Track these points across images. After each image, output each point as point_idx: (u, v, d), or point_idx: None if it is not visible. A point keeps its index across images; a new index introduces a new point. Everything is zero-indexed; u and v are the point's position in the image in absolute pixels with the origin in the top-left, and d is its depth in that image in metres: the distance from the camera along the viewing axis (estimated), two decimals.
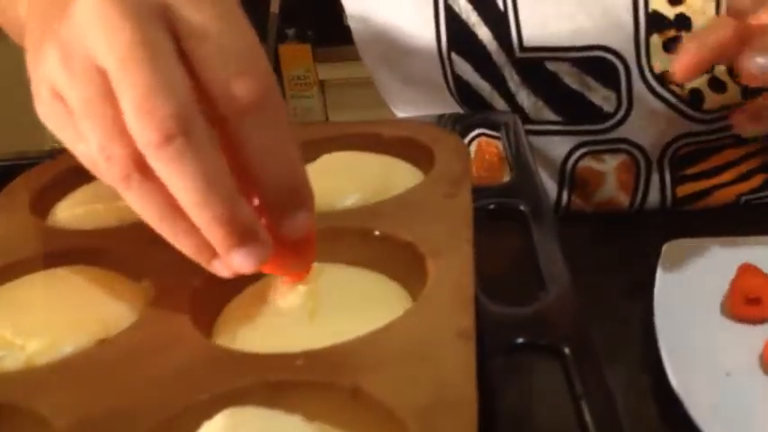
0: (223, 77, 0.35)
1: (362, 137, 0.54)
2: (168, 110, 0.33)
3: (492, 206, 0.48)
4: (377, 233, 0.44)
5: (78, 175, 0.52)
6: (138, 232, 0.46)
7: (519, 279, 0.44)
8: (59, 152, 0.55)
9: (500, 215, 0.48)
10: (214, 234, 0.35)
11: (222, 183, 0.35)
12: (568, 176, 0.68)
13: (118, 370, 0.36)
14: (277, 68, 2.41)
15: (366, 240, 0.44)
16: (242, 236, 0.35)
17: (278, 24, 2.37)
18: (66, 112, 0.36)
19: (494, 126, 0.57)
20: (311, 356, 0.35)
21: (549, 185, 0.68)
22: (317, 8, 2.36)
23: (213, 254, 0.37)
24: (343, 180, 0.49)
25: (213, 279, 0.41)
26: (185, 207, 0.35)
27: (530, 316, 0.39)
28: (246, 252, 0.36)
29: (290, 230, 0.38)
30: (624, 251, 0.65)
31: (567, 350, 0.36)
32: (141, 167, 0.35)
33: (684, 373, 0.46)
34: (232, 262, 0.36)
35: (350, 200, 0.48)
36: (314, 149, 0.53)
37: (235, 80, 0.35)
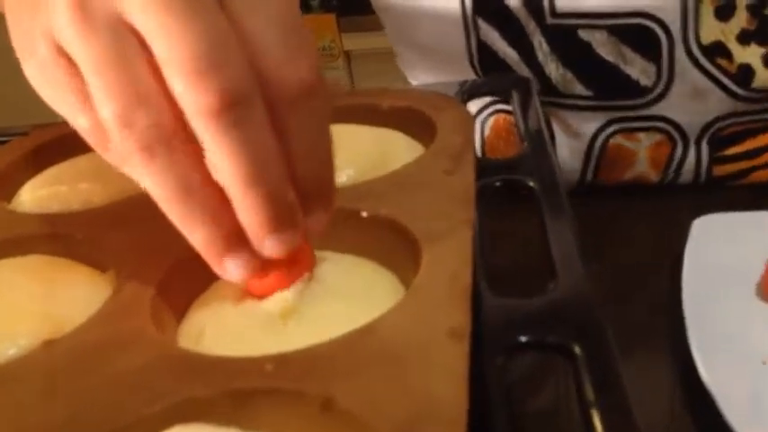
0: (277, 57, 0.31)
1: (359, 108, 0.49)
2: (231, 72, 0.29)
3: (498, 183, 0.43)
4: (365, 214, 0.39)
5: (49, 155, 0.48)
6: (103, 217, 0.42)
7: (526, 267, 0.39)
8: (34, 129, 0.51)
9: (507, 193, 0.43)
10: (258, 215, 0.31)
11: (276, 161, 0.31)
12: (596, 154, 0.62)
13: (60, 376, 0.32)
14: None
15: (354, 222, 0.39)
16: (284, 220, 0.32)
17: None
18: (68, 74, 0.32)
19: (503, 92, 0.52)
20: (282, 361, 0.31)
21: (574, 163, 0.63)
22: None
23: (225, 249, 0.33)
24: (335, 155, 0.44)
25: (182, 270, 0.37)
26: (231, 184, 0.31)
27: (535, 310, 0.34)
28: (282, 238, 0.32)
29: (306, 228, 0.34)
30: (650, 226, 0.60)
31: (577, 350, 0.31)
32: (166, 138, 0.30)
33: (715, 363, 0.42)
34: (263, 246, 0.32)
35: (341, 178, 0.43)
36: None
37: (290, 62, 0.31)
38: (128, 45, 0.30)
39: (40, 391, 0.31)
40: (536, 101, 0.50)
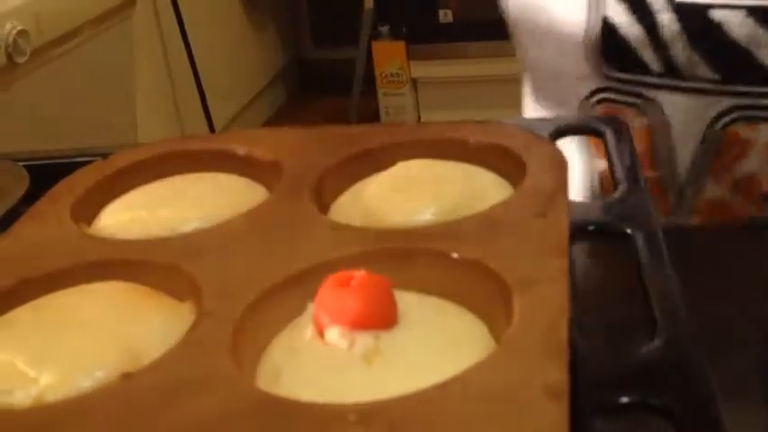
0: None
1: (444, 142, 0.47)
2: None
3: (591, 227, 0.41)
4: (455, 256, 0.37)
5: (130, 178, 0.47)
6: (184, 245, 0.41)
7: (623, 319, 0.37)
8: (114, 151, 0.51)
9: (601, 238, 0.40)
10: None
11: None
12: (711, 141, 0.58)
13: (138, 413, 0.30)
14: (370, 65, 2.38)
15: (442, 263, 0.37)
16: None
17: (372, 21, 2.33)
18: None
19: (596, 132, 0.50)
20: (366, 412, 0.29)
21: (685, 151, 0.59)
22: (412, 5, 2.32)
23: None
24: (420, 192, 0.43)
25: (263, 305, 0.36)
26: None
27: (638, 367, 0.32)
28: None
29: None
30: (752, 274, 0.57)
31: (684, 416, 0.29)
32: None
33: None
34: None
35: (425, 215, 0.41)
36: (389, 155, 0.46)
37: None
38: None
39: (115, 429, 0.30)
40: (631, 141, 0.48)
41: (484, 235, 0.38)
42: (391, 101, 2.45)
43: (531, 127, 0.49)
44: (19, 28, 1.39)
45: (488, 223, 0.39)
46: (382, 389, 0.31)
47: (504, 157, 0.45)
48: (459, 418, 0.28)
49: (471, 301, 0.36)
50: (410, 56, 2.40)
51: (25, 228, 0.43)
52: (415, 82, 2.44)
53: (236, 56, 2.37)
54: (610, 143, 0.48)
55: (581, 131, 0.53)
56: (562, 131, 0.50)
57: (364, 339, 0.33)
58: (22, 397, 0.32)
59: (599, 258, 0.41)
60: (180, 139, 0.50)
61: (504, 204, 0.41)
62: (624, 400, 0.30)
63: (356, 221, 0.42)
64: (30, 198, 0.47)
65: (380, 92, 2.44)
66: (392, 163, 0.46)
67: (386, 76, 2.43)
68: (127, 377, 0.33)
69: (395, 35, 2.40)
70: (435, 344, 0.34)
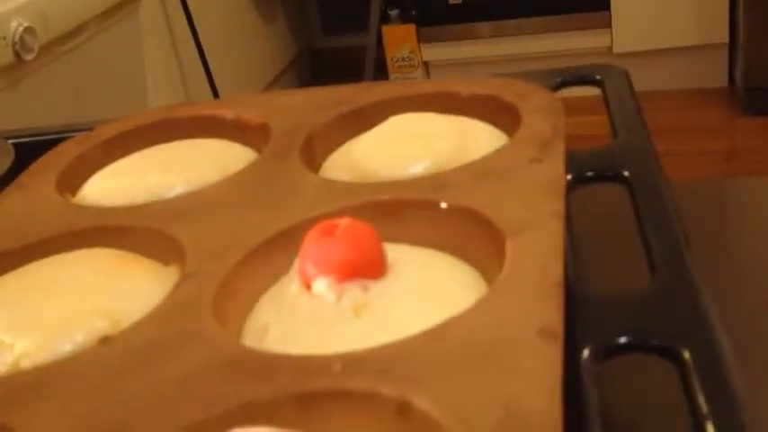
0: None
1: (437, 96, 0.46)
2: None
3: (590, 173, 0.39)
4: (444, 205, 0.36)
5: (113, 149, 0.46)
6: (168, 209, 0.40)
7: (622, 261, 0.36)
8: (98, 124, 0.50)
9: (601, 183, 0.39)
10: None
11: None
12: None
13: (114, 377, 0.29)
14: (380, 49, 2.36)
15: (432, 213, 0.36)
16: None
17: (381, 5, 2.31)
18: None
19: (595, 81, 0.48)
20: (351, 360, 0.28)
21: None
22: None
23: None
24: (412, 145, 0.42)
25: (248, 264, 0.35)
26: None
27: (636, 307, 0.30)
28: None
29: None
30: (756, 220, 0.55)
31: (686, 354, 0.27)
32: None
33: None
34: None
35: (418, 168, 0.40)
36: (382, 110, 0.45)
37: None
38: None
39: (92, 392, 0.29)
40: (632, 89, 0.46)
41: (476, 183, 0.37)
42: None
43: (527, 78, 0.47)
44: (25, 25, 1.39)
45: (481, 172, 0.38)
46: (372, 340, 0.30)
47: (498, 108, 0.44)
48: (449, 362, 0.27)
49: (464, 251, 0.35)
50: (421, 39, 2.38)
51: (9, 200, 0.42)
52: (426, 65, 2.42)
53: (246, 47, 2.36)
54: (609, 92, 0.46)
55: (581, 82, 0.51)
56: (563, 81, 0.48)
57: (352, 290, 0.32)
58: None
59: (598, 202, 0.39)
60: (166, 108, 0.49)
61: (498, 153, 0.40)
62: (622, 340, 0.29)
63: (347, 178, 0.40)
64: (15, 173, 0.46)
65: (392, 76, 2.43)
66: (385, 118, 0.44)
67: (397, 60, 2.42)
68: (106, 341, 0.32)
69: (405, 18, 2.38)
70: (426, 293, 0.32)
